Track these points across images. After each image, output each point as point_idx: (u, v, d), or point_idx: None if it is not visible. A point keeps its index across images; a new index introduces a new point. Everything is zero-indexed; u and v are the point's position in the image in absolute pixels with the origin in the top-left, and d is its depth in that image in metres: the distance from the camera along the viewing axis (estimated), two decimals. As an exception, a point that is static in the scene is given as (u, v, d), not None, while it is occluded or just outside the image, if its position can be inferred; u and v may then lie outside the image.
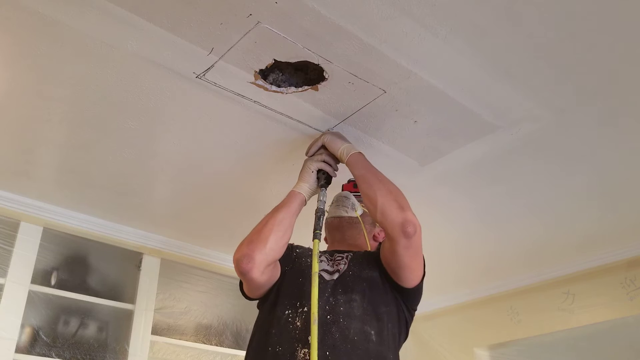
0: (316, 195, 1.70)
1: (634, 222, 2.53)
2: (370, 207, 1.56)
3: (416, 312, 1.65)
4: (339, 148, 1.69)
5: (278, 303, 1.52)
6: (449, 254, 2.87)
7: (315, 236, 1.54)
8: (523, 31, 1.44)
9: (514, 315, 3.21)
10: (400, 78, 1.60)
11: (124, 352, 2.46)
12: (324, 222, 1.63)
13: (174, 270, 2.79)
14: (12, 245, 2.30)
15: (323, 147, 1.74)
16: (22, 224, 2.35)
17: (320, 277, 1.53)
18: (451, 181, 2.21)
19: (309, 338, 1.36)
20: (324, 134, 1.78)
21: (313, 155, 1.75)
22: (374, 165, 1.67)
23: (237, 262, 1.46)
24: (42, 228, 2.40)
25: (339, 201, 1.79)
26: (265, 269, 1.48)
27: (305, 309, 1.47)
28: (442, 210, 2.44)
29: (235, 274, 1.51)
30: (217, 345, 2.80)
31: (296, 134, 1.89)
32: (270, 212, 1.57)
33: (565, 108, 1.77)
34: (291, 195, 1.63)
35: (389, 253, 1.51)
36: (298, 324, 1.45)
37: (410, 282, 1.54)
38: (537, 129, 1.87)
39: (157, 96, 1.69)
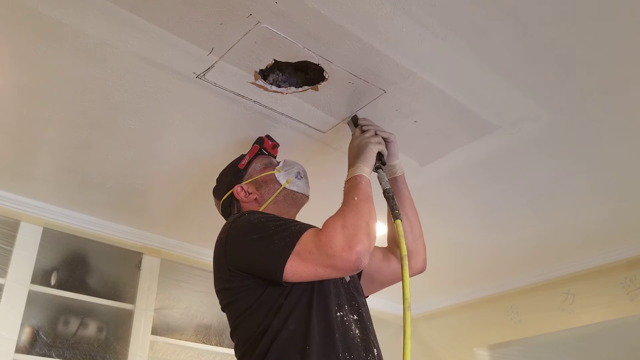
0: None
1: (634, 222, 2.53)
2: (408, 231, 1.59)
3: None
4: (397, 160, 1.64)
5: (328, 304, 1.32)
6: (449, 254, 2.87)
7: (396, 216, 1.40)
8: (523, 31, 1.44)
9: (514, 315, 3.21)
10: (400, 78, 1.60)
11: (124, 352, 2.46)
12: (301, 199, 1.58)
13: (174, 270, 2.79)
14: (12, 245, 2.30)
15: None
16: (22, 224, 2.35)
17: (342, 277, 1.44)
18: (451, 181, 2.21)
19: (374, 349, 1.32)
20: (389, 132, 1.62)
21: (368, 136, 1.56)
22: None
23: (360, 258, 1.21)
24: (42, 228, 2.39)
25: (307, 176, 1.64)
26: None
27: (355, 316, 1.35)
28: (442, 210, 2.44)
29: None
30: (217, 345, 2.80)
31: (296, 134, 1.88)
32: (364, 201, 1.36)
33: (565, 107, 1.77)
34: (367, 182, 1.43)
35: (392, 274, 1.60)
36: (357, 331, 1.33)
37: (369, 294, 1.62)
38: (537, 128, 1.87)
39: (157, 96, 1.69)
